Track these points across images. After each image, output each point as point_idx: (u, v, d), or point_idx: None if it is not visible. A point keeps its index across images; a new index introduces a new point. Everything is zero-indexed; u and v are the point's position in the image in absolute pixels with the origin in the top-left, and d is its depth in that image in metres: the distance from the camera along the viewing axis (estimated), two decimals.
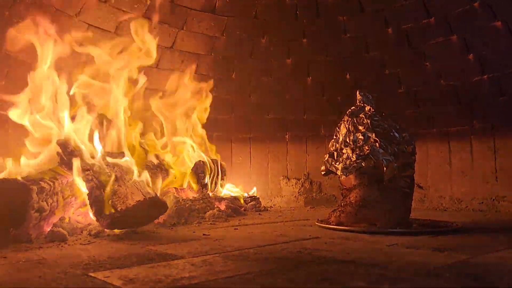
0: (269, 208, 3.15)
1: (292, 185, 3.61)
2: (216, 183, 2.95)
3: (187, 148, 2.99)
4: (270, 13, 3.53)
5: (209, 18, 3.41)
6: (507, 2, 2.74)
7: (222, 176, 3.11)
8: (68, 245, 1.54)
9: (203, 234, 1.78)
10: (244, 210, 2.79)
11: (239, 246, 1.48)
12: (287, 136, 3.70)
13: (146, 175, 2.03)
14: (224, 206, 2.62)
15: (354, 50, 3.54)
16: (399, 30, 3.32)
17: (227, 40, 3.54)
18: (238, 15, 3.48)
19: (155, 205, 1.79)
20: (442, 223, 2.01)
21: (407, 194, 1.87)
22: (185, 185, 2.73)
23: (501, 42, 2.85)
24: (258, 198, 3.18)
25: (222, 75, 3.61)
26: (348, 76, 3.60)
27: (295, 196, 3.58)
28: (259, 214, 2.77)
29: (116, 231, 1.74)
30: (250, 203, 2.97)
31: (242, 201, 2.94)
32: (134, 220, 1.75)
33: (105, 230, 1.73)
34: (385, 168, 1.81)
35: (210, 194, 2.81)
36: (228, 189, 3.19)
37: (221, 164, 3.15)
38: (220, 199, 2.78)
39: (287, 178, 3.65)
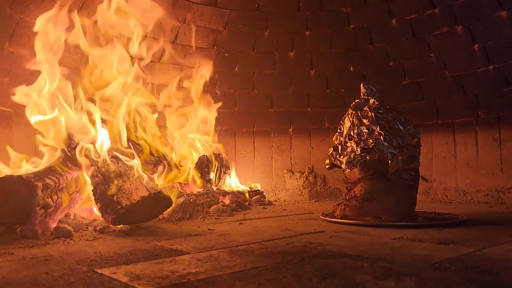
0: (273, 202, 3.15)
1: (296, 179, 3.61)
2: (220, 178, 2.96)
3: (192, 143, 2.99)
4: (273, 5, 3.51)
5: (211, 11, 3.39)
6: None
7: (225, 171, 3.11)
8: (74, 241, 1.55)
9: (208, 229, 1.78)
10: (249, 204, 2.80)
11: (244, 241, 1.48)
12: (290, 129, 3.69)
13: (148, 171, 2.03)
14: (229, 201, 2.62)
15: (358, 42, 3.51)
16: (403, 21, 3.30)
17: (230, 33, 3.52)
18: (241, 8, 3.46)
19: (159, 200, 1.79)
20: (447, 216, 2.00)
21: (412, 187, 1.86)
22: (189, 180, 2.74)
23: (507, 32, 2.82)
24: (263, 192, 3.18)
25: (225, 69, 3.59)
26: (352, 68, 3.58)
27: (299, 190, 3.58)
28: (264, 208, 2.77)
29: (121, 226, 1.74)
30: (254, 197, 2.97)
31: (247, 195, 2.94)
32: (139, 215, 1.75)
33: (110, 225, 1.74)
34: (389, 161, 1.80)
35: (215, 188, 2.82)
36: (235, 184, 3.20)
37: (224, 159, 3.15)
38: (225, 193, 2.78)
39: (291, 171, 3.64)
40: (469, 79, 3.08)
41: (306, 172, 3.61)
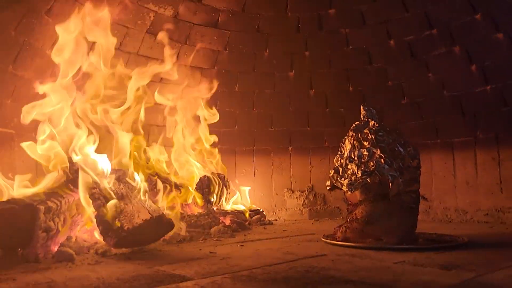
0: (273, 222, 3.15)
1: (296, 198, 3.61)
2: (220, 197, 2.96)
3: (192, 163, 3.00)
4: (273, 26, 3.55)
5: (212, 32, 3.44)
6: (508, 14, 2.76)
7: (226, 190, 3.11)
8: (76, 265, 1.54)
9: (210, 252, 1.78)
10: (249, 224, 2.79)
11: (247, 265, 1.48)
12: (290, 148, 3.71)
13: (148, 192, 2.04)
14: (229, 221, 2.62)
15: (357, 62, 3.55)
16: (402, 41, 3.34)
17: (230, 54, 3.56)
18: (241, 29, 3.51)
19: (161, 223, 1.79)
20: (448, 237, 2.01)
21: (412, 209, 1.88)
22: (190, 201, 2.74)
23: (503, 53, 2.86)
24: (263, 211, 3.18)
25: (225, 88, 3.63)
26: (351, 87, 3.61)
27: (299, 209, 3.58)
28: (264, 228, 2.77)
29: (123, 250, 1.74)
30: (254, 217, 2.97)
31: (247, 215, 2.94)
32: (140, 239, 1.75)
33: (112, 249, 1.74)
34: (390, 184, 1.81)
35: (215, 208, 2.82)
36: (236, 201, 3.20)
37: (225, 178, 3.15)
38: (225, 213, 2.78)
39: (291, 190, 3.65)
40: (467, 99, 3.11)
41: (306, 191, 3.62)
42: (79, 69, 2.34)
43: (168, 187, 2.48)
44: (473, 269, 1.36)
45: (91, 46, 2.50)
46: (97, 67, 2.50)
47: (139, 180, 2.08)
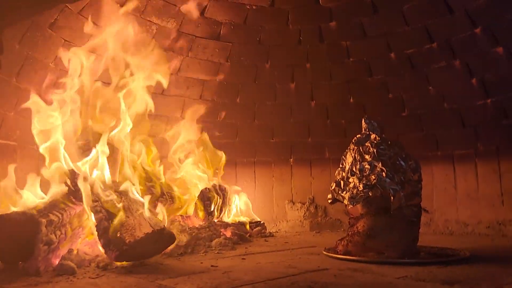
0: (274, 234, 3.14)
1: (297, 209, 3.61)
2: (221, 209, 2.96)
3: (193, 174, 3.01)
4: (274, 38, 3.58)
5: (214, 44, 3.46)
6: (507, 28, 2.78)
7: (226, 201, 3.11)
8: (77, 278, 1.54)
9: (211, 266, 1.77)
10: (250, 236, 2.79)
11: (249, 280, 1.47)
12: (291, 159, 3.72)
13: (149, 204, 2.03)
14: (230, 233, 2.61)
15: (357, 74, 3.57)
16: (402, 54, 3.36)
17: (232, 66, 3.58)
18: (243, 41, 3.53)
19: (163, 237, 1.79)
20: (450, 251, 2.00)
21: (414, 223, 1.88)
22: (191, 213, 2.74)
23: (503, 66, 2.88)
24: (263, 223, 3.17)
25: (227, 100, 3.64)
26: (351, 99, 3.63)
27: (300, 221, 3.57)
28: (265, 240, 2.76)
29: (124, 263, 1.74)
30: (255, 229, 2.96)
31: (247, 227, 2.93)
32: (142, 252, 1.75)
33: (113, 262, 1.73)
34: (392, 198, 1.82)
35: (216, 220, 2.81)
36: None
37: (224, 188, 3.15)
38: (226, 225, 2.77)
39: (292, 202, 3.64)
40: (468, 112, 3.12)
41: (307, 203, 3.61)
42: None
43: (169, 199, 2.48)
44: (476, 284, 1.36)
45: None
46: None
47: (138, 193, 2.08)
